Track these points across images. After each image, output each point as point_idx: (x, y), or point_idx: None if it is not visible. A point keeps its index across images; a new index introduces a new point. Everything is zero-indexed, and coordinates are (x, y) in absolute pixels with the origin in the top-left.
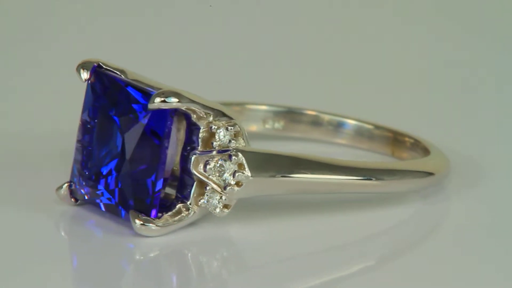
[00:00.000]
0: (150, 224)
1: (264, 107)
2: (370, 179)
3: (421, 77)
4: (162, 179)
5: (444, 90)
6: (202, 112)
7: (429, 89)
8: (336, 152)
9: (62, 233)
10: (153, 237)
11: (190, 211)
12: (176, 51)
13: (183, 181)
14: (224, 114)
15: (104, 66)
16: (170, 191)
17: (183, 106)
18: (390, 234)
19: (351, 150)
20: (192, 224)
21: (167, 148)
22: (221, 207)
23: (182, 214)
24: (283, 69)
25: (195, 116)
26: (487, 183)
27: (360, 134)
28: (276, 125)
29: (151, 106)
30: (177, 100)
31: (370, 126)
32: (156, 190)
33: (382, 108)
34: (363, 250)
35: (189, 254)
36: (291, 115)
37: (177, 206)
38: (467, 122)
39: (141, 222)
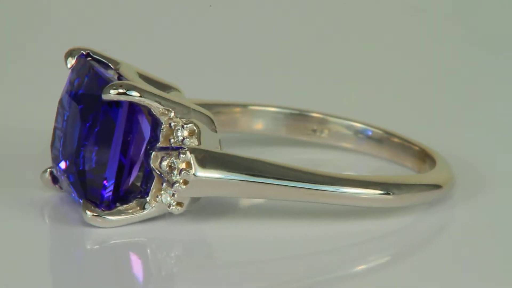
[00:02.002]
0: (100, 216)
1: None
2: (337, 190)
3: (424, 81)
4: (115, 171)
5: (446, 94)
6: (161, 108)
7: (432, 92)
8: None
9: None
10: (110, 228)
11: (146, 206)
12: (175, 51)
13: (147, 176)
14: (189, 111)
15: (93, 56)
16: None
17: (140, 101)
18: (390, 239)
19: (355, 154)
20: (165, 218)
21: (120, 138)
22: (175, 204)
23: (137, 209)
24: (287, 70)
25: (157, 111)
26: (488, 189)
27: (368, 138)
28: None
29: (104, 97)
30: (138, 94)
31: (380, 131)
32: (110, 182)
33: (382, 110)
34: (361, 254)
35: (148, 250)
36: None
37: (134, 201)
38: (465, 125)
39: (91, 213)
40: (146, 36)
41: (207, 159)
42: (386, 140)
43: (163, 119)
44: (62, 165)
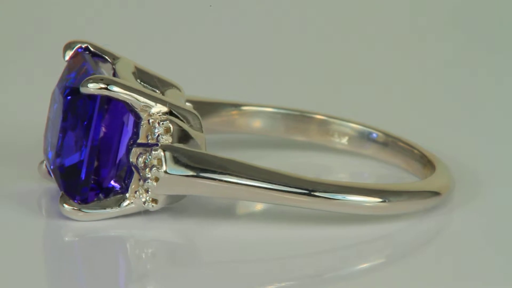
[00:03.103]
0: (76, 209)
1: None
2: (308, 194)
3: (421, 82)
4: (93, 164)
5: (445, 95)
6: (141, 104)
7: (431, 93)
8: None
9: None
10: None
11: (125, 202)
12: (175, 50)
13: (129, 172)
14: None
15: (92, 50)
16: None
17: (118, 96)
18: (385, 241)
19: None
20: (149, 214)
21: (96, 131)
22: (150, 201)
23: (115, 204)
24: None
25: (138, 107)
26: (486, 193)
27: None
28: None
29: (82, 90)
30: (117, 89)
31: (380, 134)
32: (83, 172)
33: (380, 112)
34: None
35: (127, 245)
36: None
37: (114, 195)
38: (464, 126)
39: (68, 206)
40: (145, 35)
41: (178, 157)
42: (390, 143)
43: (143, 115)
44: (49, 156)
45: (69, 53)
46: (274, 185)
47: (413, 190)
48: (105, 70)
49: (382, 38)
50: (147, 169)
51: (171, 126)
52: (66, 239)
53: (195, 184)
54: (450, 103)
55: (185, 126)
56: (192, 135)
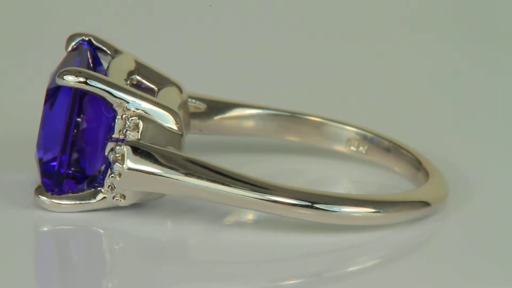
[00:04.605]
0: (49, 199)
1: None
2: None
3: (420, 87)
4: (66, 156)
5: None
6: (116, 99)
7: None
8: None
9: None
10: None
11: (98, 195)
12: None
13: (107, 165)
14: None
15: (95, 44)
16: None
17: (93, 90)
18: (374, 245)
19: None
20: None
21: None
22: (118, 196)
23: (89, 197)
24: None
25: (114, 102)
26: (478, 198)
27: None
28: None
29: (58, 81)
30: (97, 83)
31: (371, 135)
32: (60, 166)
33: (378, 115)
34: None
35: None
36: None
37: (86, 190)
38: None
39: (41, 196)
40: (143, 34)
41: (141, 153)
42: (377, 144)
43: (118, 110)
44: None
45: (72, 45)
46: (235, 188)
47: (406, 200)
48: (106, 64)
49: (377, 39)
50: (112, 165)
51: (140, 122)
52: (42, 229)
53: (156, 181)
54: (442, 104)
55: (157, 124)
56: (167, 134)
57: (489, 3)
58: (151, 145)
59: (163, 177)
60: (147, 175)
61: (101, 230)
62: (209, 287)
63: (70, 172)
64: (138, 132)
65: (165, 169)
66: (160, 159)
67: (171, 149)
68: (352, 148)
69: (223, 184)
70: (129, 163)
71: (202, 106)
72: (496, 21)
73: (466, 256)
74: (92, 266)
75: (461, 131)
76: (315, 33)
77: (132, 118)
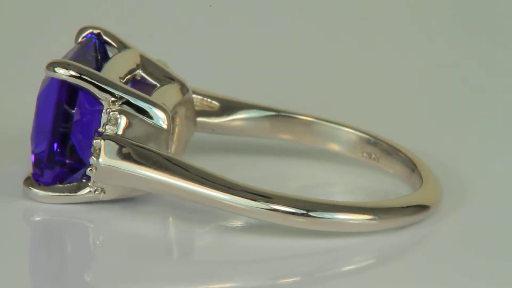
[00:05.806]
0: (37, 190)
1: None
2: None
3: (417, 85)
4: (55, 144)
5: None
6: (102, 94)
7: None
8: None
9: None
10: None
11: (86, 188)
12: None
13: None
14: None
15: (104, 37)
16: None
17: (79, 83)
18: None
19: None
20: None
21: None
22: (99, 190)
23: (74, 190)
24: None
25: (100, 96)
26: (473, 199)
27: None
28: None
29: (46, 72)
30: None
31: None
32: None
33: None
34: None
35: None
36: None
37: (73, 182)
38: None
39: (28, 187)
40: (142, 33)
41: (116, 149)
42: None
43: (104, 104)
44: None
45: (81, 38)
46: (209, 189)
47: (402, 206)
48: None
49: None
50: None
51: (122, 117)
52: (31, 219)
53: (129, 177)
54: (442, 104)
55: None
56: (152, 130)
57: (489, 3)
58: (129, 140)
59: (137, 173)
60: (119, 170)
61: (88, 223)
62: (209, 286)
63: (67, 161)
64: (117, 127)
65: (137, 165)
66: (133, 156)
67: (151, 146)
68: (365, 155)
69: (201, 184)
70: (102, 157)
71: (215, 105)
72: (495, 21)
73: (463, 257)
74: (79, 258)
75: (458, 131)
76: (315, 33)
77: (113, 112)
